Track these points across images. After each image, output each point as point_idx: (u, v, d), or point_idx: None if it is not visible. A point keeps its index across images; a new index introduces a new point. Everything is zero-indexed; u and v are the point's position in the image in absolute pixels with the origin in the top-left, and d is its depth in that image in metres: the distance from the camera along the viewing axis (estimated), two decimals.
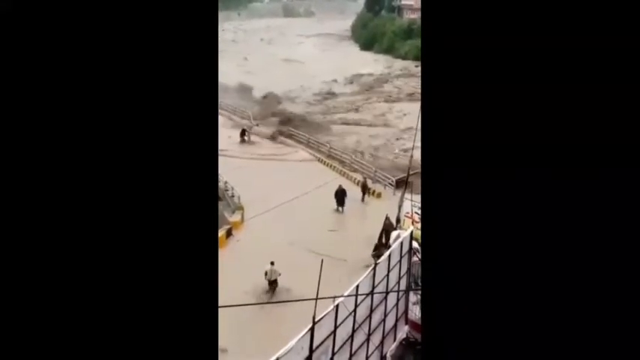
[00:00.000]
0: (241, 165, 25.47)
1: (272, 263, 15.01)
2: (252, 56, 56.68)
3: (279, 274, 14.93)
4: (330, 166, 26.23)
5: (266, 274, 14.94)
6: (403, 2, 67.91)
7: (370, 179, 23.95)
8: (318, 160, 26.97)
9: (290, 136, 31.10)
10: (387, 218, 17.44)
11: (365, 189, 22.50)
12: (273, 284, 14.90)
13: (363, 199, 22.18)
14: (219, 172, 23.22)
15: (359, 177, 24.29)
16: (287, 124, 32.65)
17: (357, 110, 38.11)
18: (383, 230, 17.18)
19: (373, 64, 55.35)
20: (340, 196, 21.03)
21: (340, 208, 20.98)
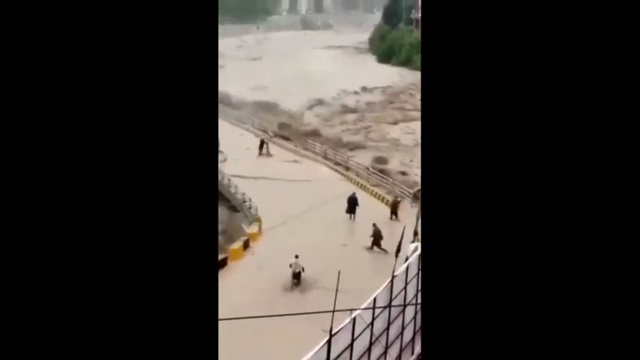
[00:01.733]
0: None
1: (296, 257, 16.12)
2: (270, 70, 57.03)
3: (303, 267, 16.03)
4: (358, 184, 25.98)
5: (290, 266, 16.08)
6: (421, 15, 67.94)
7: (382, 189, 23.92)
8: (347, 179, 26.49)
9: (306, 149, 31.26)
10: (374, 225, 18.72)
11: (396, 208, 21.54)
12: (297, 276, 16.09)
13: (392, 218, 21.24)
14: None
15: (379, 191, 24.20)
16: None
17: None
18: (373, 236, 18.51)
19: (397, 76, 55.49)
20: (352, 203, 21.30)
21: (352, 216, 21.15)
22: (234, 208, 23.32)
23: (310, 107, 42.11)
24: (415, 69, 57.40)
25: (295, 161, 29.66)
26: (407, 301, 11.06)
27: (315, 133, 34.51)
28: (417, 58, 59.19)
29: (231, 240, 19.00)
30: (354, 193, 21.97)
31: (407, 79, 54.50)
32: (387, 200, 23.19)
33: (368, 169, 26.82)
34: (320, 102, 43.46)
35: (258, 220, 20.70)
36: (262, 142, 30.38)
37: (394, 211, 21.51)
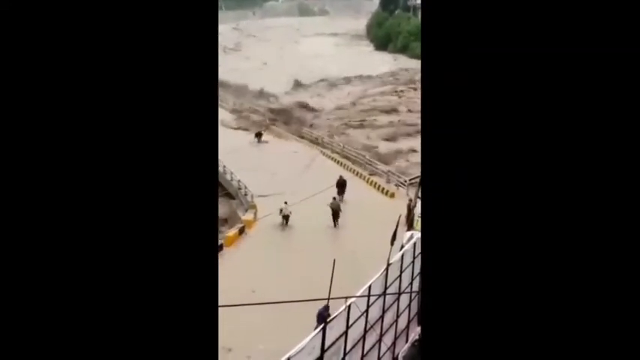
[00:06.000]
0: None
1: (285, 202, 19.40)
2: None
3: (290, 211, 19.36)
4: (354, 172, 25.85)
5: (281, 210, 19.41)
6: (419, 1, 67.55)
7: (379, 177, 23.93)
8: (343, 167, 26.24)
9: (302, 136, 31.31)
10: (333, 198, 20.32)
11: (410, 212, 17.90)
12: (286, 218, 19.52)
13: (409, 226, 16.64)
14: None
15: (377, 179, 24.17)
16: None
17: None
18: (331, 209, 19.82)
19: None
20: (341, 187, 21.56)
21: (340, 197, 21.21)
22: (229, 195, 23.33)
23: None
24: (412, 56, 57.17)
25: (290, 144, 29.85)
26: (402, 289, 11.10)
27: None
28: (415, 46, 58.92)
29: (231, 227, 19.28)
30: (340, 177, 22.29)
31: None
32: (384, 189, 23.18)
33: (364, 157, 26.81)
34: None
35: (253, 207, 20.73)
36: (259, 132, 30.88)
37: (409, 215, 18.12)
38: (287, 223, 19.71)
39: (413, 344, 12.06)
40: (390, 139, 30.86)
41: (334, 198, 20.33)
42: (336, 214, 19.67)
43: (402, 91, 42.83)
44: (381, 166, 25.43)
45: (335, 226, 19.70)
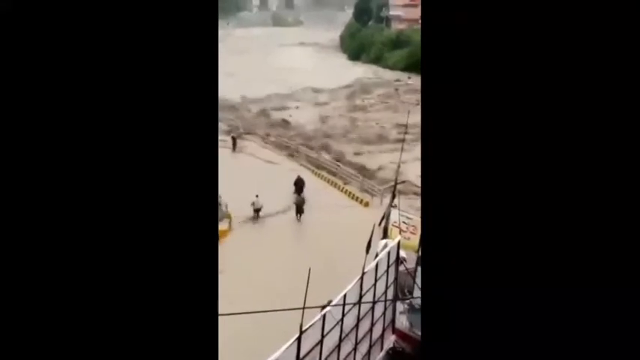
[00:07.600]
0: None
1: (257, 196, 20.55)
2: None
3: (262, 205, 20.47)
4: (329, 181, 25.86)
5: (253, 204, 20.50)
6: (392, 13, 68.33)
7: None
8: (318, 176, 26.25)
9: (278, 145, 31.24)
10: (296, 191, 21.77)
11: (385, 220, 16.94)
12: (257, 211, 20.75)
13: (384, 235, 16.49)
14: None
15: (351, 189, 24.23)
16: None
17: None
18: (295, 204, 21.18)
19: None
20: (299, 185, 22.46)
21: (301, 195, 21.88)
22: None
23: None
24: (385, 67, 57.51)
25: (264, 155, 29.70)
26: (376, 298, 11.12)
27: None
28: (388, 56, 59.38)
29: None
30: (298, 176, 23.10)
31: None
32: (358, 198, 23.23)
33: (339, 166, 26.84)
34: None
35: (228, 216, 20.58)
36: (234, 139, 30.66)
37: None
38: (258, 216, 20.79)
39: (387, 352, 12.07)
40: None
41: (296, 194, 21.84)
42: (299, 208, 21.05)
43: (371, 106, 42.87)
44: (356, 176, 25.47)
45: (298, 220, 20.93)
